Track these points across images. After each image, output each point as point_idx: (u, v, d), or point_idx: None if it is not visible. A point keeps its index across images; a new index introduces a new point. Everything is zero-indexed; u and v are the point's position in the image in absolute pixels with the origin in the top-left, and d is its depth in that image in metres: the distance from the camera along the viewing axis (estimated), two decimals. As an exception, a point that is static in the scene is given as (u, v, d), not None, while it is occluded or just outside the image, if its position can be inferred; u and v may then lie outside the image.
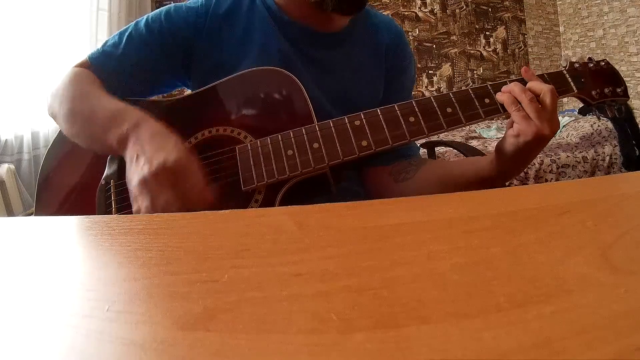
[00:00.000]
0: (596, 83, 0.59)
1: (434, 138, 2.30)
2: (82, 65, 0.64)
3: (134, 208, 0.48)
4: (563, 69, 0.60)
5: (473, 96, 0.55)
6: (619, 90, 0.60)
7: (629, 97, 0.61)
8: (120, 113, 0.53)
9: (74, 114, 0.58)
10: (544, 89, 0.52)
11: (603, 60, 0.62)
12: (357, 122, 0.54)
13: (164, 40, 0.64)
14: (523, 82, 0.56)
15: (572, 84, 0.58)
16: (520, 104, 0.52)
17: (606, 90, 0.59)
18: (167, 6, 0.66)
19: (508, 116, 0.54)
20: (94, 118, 0.55)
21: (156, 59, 0.64)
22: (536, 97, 0.52)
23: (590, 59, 0.62)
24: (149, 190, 0.46)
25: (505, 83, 0.56)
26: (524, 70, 0.57)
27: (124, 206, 0.55)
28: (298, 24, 0.66)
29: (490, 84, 0.56)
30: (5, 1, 1.75)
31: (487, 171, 0.59)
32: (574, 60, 0.61)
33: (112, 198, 0.55)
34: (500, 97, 0.54)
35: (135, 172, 0.47)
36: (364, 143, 0.53)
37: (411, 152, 0.72)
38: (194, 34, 0.64)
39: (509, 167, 0.57)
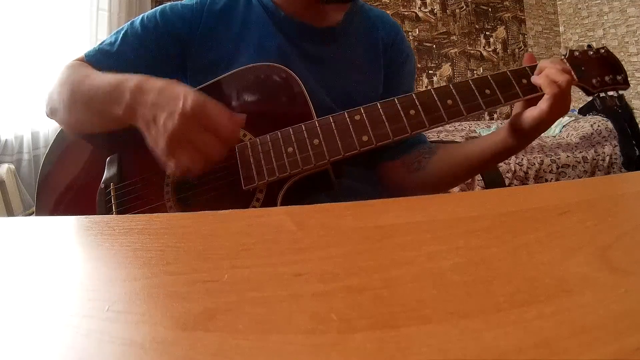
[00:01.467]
0: (596, 71, 0.59)
1: (434, 138, 2.31)
2: (78, 61, 0.64)
3: (172, 167, 0.48)
4: (563, 57, 0.60)
5: (473, 88, 0.55)
6: (619, 77, 0.59)
7: (629, 85, 0.60)
8: (120, 82, 0.53)
9: (74, 98, 0.58)
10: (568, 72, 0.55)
11: (602, 48, 0.61)
12: (357, 117, 0.54)
13: (160, 39, 0.64)
14: (524, 70, 0.57)
15: (572, 72, 0.58)
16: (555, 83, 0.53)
17: (607, 78, 0.59)
18: (163, 5, 0.66)
19: (508, 113, 0.55)
20: (95, 95, 0.55)
21: (152, 57, 0.64)
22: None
23: (589, 46, 0.61)
24: (183, 142, 0.46)
25: (506, 74, 0.56)
26: (528, 57, 0.58)
27: (125, 209, 0.54)
28: (294, 20, 0.66)
29: (490, 75, 0.56)
30: (5, 1, 1.75)
31: (500, 146, 0.60)
32: (573, 48, 0.61)
33: (112, 201, 0.55)
34: (537, 80, 0.55)
35: (159, 134, 0.47)
36: (365, 138, 0.53)
37: (421, 142, 0.72)
38: (190, 32, 0.64)
39: (522, 140, 0.58)
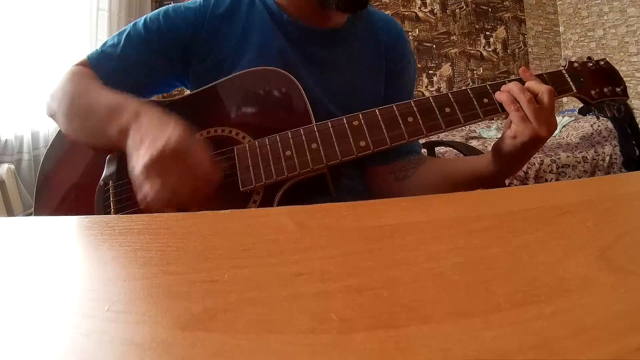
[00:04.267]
0: (595, 82, 0.59)
1: (434, 138, 2.30)
2: (81, 65, 0.64)
3: (139, 197, 0.48)
4: (562, 68, 0.60)
5: (472, 96, 0.55)
6: (618, 89, 0.60)
7: (628, 97, 0.61)
8: (119, 105, 0.53)
9: (73, 110, 0.58)
10: (542, 89, 0.52)
11: (602, 60, 0.62)
12: (356, 123, 0.54)
13: (163, 40, 0.64)
14: (522, 82, 0.56)
15: (571, 83, 0.58)
16: (519, 103, 0.52)
17: (605, 89, 0.59)
18: (165, 6, 0.66)
19: (507, 116, 0.54)
20: (94, 111, 0.55)
21: (155, 59, 0.64)
22: (534, 97, 0.52)
23: (589, 58, 0.62)
24: (154, 175, 0.46)
25: (504, 82, 0.56)
26: (522, 71, 0.57)
27: (123, 207, 0.54)
28: (297, 23, 0.66)
29: (489, 84, 0.56)
30: (5, 1, 1.75)
31: (485, 170, 0.59)
32: (573, 59, 0.61)
33: (111, 199, 0.55)
34: (499, 96, 0.54)
35: (139, 158, 0.47)
36: (362, 143, 0.53)
37: (412, 151, 0.72)
38: (193, 33, 0.64)
39: (506, 166, 0.57)
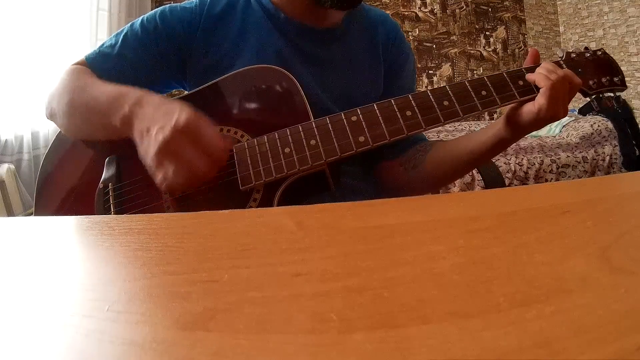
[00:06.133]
0: (593, 73, 0.59)
1: (434, 137, 2.31)
2: (78, 64, 0.65)
3: (158, 179, 0.48)
4: (560, 59, 0.60)
5: (470, 89, 0.55)
6: (616, 79, 0.59)
7: (626, 86, 0.61)
8: (120, 95, 0.54)
9: (73, 106, 0.58)
10: (577, 80, 0.55)
11: (600, 50, 0.61)
12: (354, 118, 0.54)
13: (159, 41, 0.64)
14: (520, 71, 0.57)
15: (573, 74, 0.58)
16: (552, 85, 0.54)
17: (603, 79, 0.59)
18: (162, 7, 0.66)
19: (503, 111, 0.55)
20: (95, 105, 0.56)
21: (152, 59, 0.64)
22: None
23: (586, 48, 0.61)
24: (171, 155, 0.47)
25: (502, 76, 0.56)
26: (533, 52, 0.58)
27: (123, 209, 0.54)
28: (294, 21, 0.66)
29: (486, 77, 0.56)
30: (5, 1, 1.75)
31: (497, 139, 0.60)
32: (570, 50, 0.61)
33: (111, 201, 0.55)
34: (532, 77, 0.55)
35: (150, 144, 0.48)
36: (361, 139, 0.53)
37: (419, 139, 0.72)
38: (189, 34, 0.65)
39: (519, 134, 0.59)
